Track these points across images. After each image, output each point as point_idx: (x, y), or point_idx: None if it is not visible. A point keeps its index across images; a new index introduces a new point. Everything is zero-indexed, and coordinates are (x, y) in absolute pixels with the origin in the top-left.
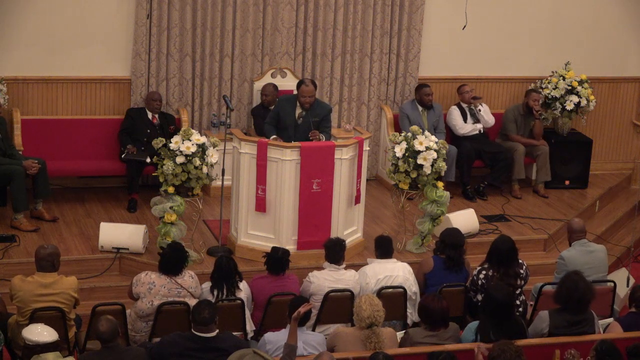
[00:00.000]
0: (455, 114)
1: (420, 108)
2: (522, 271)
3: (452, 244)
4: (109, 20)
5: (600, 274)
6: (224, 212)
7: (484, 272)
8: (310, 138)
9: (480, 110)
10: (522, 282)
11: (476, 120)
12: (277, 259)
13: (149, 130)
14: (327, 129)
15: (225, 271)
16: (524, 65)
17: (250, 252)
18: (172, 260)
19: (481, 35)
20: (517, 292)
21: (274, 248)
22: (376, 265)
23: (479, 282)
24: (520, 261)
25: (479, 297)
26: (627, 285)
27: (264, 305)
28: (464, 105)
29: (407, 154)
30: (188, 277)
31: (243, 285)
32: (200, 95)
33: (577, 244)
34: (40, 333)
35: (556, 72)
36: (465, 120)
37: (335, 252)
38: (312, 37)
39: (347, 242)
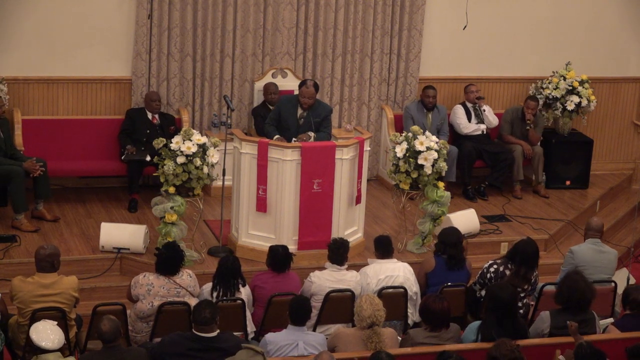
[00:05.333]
0: (459, 113)
1: (424, 109)
2: (532, 277)
3: (451, 242)
4: (109, 20)
5: (605, 275)
6: (225, 212)
7: (495, 266)
8: (300, 138)
9: (485, 110)
10: (530, 288)
11: (480, 120)
12: (280, 257)
13: (148, 131)
14: (327, 129)
15: (229, 271)
16: (525, 65)
17: (251, 252)
18: (168, 261)
19: (482, 36)
20: (522, 295)
21: (277, 246)
22: (377, 265)
23: (488, 275)
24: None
25: (483, 293)
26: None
27: (265, 302)
28: (469, 105)
29: (407, 154)
30: (186, 276)
31: (244, 288)
32: (201, 96)
33: (589, 242)
34: (46, 338)
35: (557, 72)
36: (469, 119)
37: (339, 253)
38: (312, 37)
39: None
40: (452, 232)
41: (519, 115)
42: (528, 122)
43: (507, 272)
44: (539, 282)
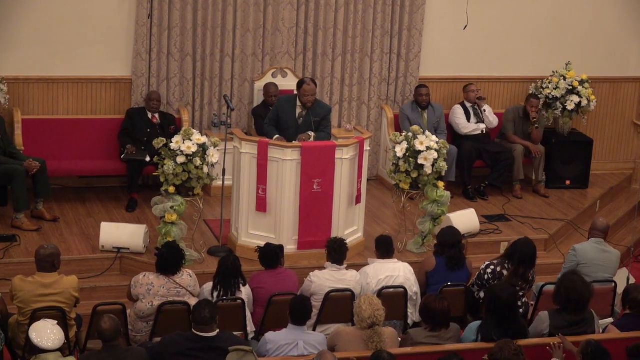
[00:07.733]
0: (458, 113)
1: (419, 109)
2: (530, 276)
3: (450, 243)
4: (109, 20)
5: (607, 274)
6: (225, 212)
7: (492, 267)
8: (300, 138)
9: (485, 110)
10: (528, 286)
11: (480, 120)
12: (268, 252)
13: (149, 130)
14: (327, 129)
15: (230, 270)
16: (525, 65)
17: (251, 252)
18: (169, 260)
19: (482, 35)
20: (521, 294)
21: (266, 244)
22: (377, 265)
23: (485, 276)
24: None
25: (482, 295)
26: None
27: (265, 301)
28: (468, 105)
29: (407, 154)
30: (186, 276)
31: (245, 288)
32: (201, 95)
33: (593, 241)
34: (46, 338)
35: (557, 72)
36: (468, 119)
37: (338, 252)
38: (312, 37)
39: (347, 242)
40: (451, 232)
41: (520, 114)
42: (534, 120)
43: (505, 272)
44: (539, 281)
